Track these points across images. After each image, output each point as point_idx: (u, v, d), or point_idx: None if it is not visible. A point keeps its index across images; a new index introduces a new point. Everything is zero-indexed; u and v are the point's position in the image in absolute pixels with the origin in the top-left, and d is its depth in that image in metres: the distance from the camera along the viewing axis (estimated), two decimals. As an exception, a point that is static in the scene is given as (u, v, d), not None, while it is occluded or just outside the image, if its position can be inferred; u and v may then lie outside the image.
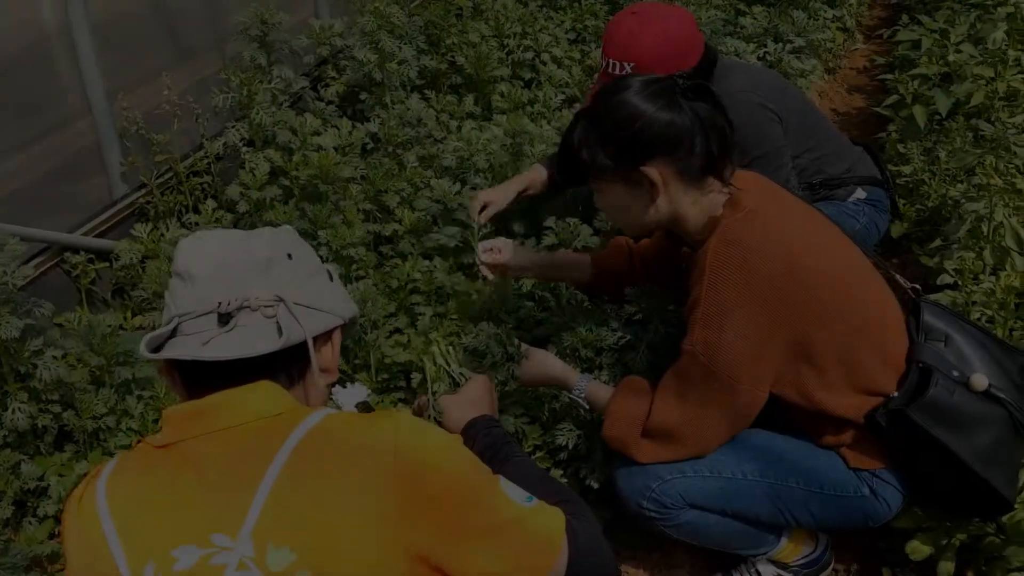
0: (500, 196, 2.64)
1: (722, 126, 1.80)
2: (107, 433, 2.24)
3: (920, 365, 1.83)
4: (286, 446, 1.19)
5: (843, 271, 1.84)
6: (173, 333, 1.25)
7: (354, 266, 2.76)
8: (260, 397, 1.24)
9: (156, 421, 2.26)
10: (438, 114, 3.73)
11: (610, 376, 2.19)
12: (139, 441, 1.31)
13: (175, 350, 1.24)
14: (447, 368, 1.88)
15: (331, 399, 1.72)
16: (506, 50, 4.19)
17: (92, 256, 2.83)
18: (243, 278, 1.27)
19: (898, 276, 2.04)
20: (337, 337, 1.40)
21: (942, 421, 1.77)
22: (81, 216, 2.85)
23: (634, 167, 1.80)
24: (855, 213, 2.67)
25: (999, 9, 3.77)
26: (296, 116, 3.15)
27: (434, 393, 1.83)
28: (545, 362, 2.08)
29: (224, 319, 1.24)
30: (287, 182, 2.99)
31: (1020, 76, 3.41)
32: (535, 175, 2.75)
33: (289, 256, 1.32)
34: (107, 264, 2.88)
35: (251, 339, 1.24)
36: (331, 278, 1.40)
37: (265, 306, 1.26)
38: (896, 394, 1.83)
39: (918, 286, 2.02)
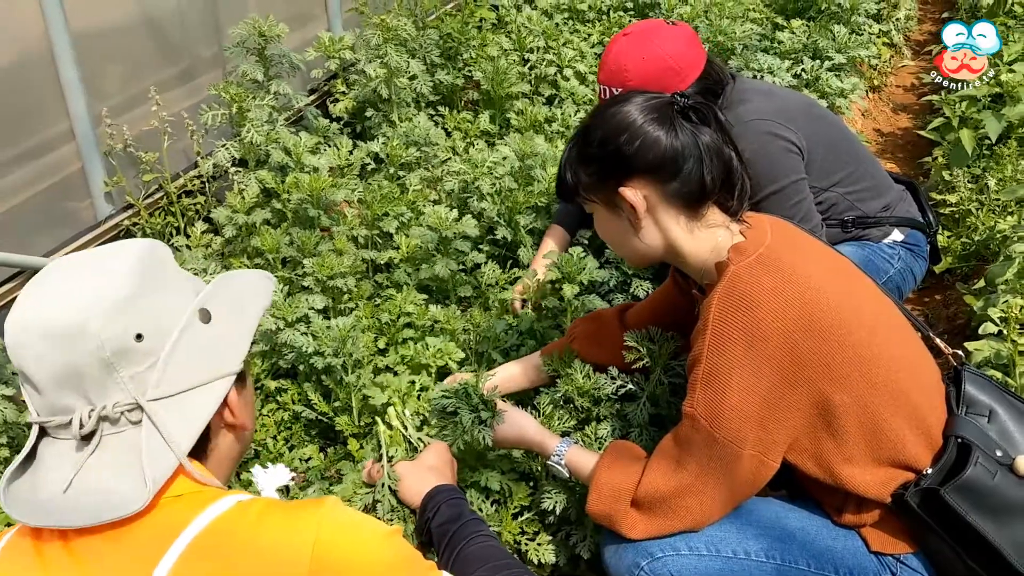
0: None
1: (727, 155, 1.65)
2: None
3: (959, 440, 1.60)
4: (179, 542, 1.02)
5: (869, 326, 1.61)
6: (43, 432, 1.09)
7: (345, 296, 2.57)
8: None
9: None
10: (451, 132, 3.54)
11: (609, 430, 1.98)
12: None
13: (25, 488, 1.07)
14: (404, 432, 1.68)
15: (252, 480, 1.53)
16: (528, 65, 4.01)
17: (71, 281, 2.67)
18: (92, 382, 1.05)
19: (938, 340, 1.80)
20: (249, 388, 1.20)
21: (980, 506, 1.54)
22: (59, 238, 2.69)
23: (614, 187, 1.67)
24: (889, 256, 2.42)
25: (1058, 25, 3.48)
26: (293, 135, 2.97)
27: (390, 459, 1.63)
28: (521, 424, 1.87)
29: (87, 438, 1.06)
30: (279, 205, 2.81)
31: (1080, 98, 3.12)
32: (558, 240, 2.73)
33: (139, 337, 1.06)
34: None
35: (117, 472, 1.05)
36: (208, 317, 1.13)
37: (128, 410, 1.06)
38: (930, 471, 1.59)
39: (960, 352, 1.77)
